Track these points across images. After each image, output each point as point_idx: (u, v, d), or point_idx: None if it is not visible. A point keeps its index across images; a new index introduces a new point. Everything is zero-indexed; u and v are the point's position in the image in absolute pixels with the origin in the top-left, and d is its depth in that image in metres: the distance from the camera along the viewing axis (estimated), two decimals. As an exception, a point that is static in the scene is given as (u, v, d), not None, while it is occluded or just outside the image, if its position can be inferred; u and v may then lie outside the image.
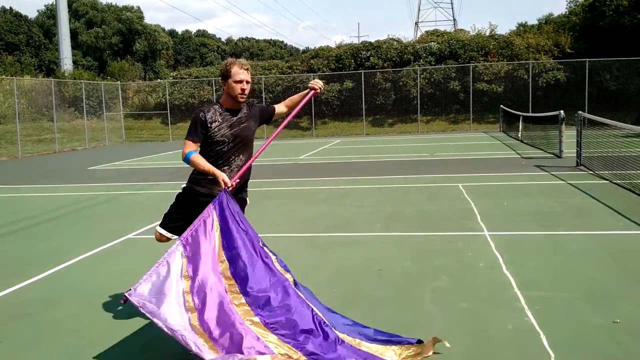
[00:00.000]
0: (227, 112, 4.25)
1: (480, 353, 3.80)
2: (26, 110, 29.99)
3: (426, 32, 40.15)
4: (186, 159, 4.15)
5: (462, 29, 43.57)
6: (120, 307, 4.91)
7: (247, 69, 4.20)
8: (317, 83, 4.53)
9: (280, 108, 4.73)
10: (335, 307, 4.74)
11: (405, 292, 5.04)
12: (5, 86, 30.23)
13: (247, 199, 4.65)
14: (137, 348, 4.08)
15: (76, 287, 5.59)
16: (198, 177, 4.30)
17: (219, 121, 4.19)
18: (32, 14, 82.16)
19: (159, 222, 4.54)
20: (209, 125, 4.16)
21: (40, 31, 53.05)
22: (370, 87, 31.54)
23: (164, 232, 4.50)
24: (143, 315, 4.63)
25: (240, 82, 4.15)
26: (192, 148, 4.17)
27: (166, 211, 4.54)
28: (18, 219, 9.28)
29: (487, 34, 34.69)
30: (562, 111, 15.30)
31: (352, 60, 33.39)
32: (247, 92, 4.20)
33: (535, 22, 44.24)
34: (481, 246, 6.49)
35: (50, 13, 54.52)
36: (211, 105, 4.27)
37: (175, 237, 4.38)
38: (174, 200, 4.54)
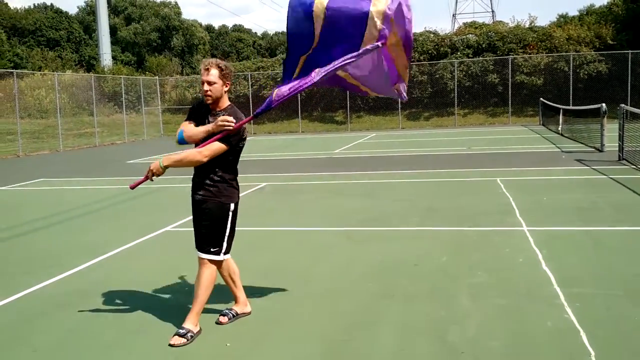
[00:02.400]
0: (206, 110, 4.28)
1: (518, 350, 3.74)
2: (67, 104, 30.65)
3: (464, 24, 39.61)
4: (179, 138, 4.23)
5: (500, 21, 42.90)
6: (159, 299, 4.98)
7: (207, 69, 4.07)
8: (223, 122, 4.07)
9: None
10: (370, 301, 4.74)
11: (441, 288, 4.99)
12: (47, 81, 30.96)
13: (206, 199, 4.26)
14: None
15: (114, 278, 5.69)
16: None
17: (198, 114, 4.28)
18: (72, 10, 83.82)
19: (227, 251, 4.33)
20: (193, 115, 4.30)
21: (80, 27, 54.14)
22: (408, 79, 31.29)
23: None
24: (181, 308, 4.70)
25: (202, 83, 4.12)
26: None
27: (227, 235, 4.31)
28: (59, 212, 9.50)
29: (527, 25, 34.07)
30: (603, 104, 14.94)
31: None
32: (210, 93, 4.10)
33: (576, 14, 43.28)
34: (520, 242, 6.38)
35: (90, 9, 55.56)
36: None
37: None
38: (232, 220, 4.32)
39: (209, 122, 4.13)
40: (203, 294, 4.17)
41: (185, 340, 4.00)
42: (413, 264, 5.71)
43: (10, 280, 5.69)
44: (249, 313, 4.54)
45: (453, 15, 74.16)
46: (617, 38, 30.57)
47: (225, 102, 4.24)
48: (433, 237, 6.82)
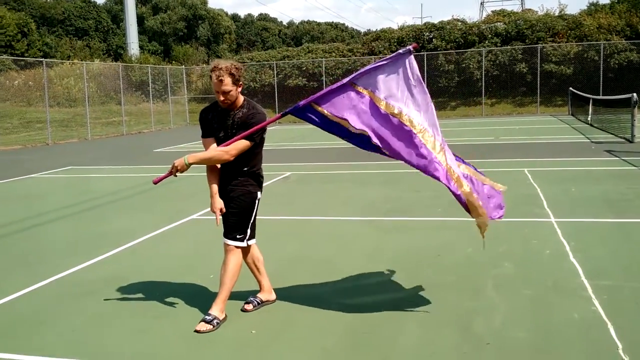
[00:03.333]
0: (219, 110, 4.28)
1: (545, 342, 3.70)
2: (95, 93, 31.02)
3: (492, 12, 39.04)
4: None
5: (529, 9, 42.18)
6: (185, 286, 5.03)
7: (220, 80, 4.04)
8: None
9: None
10: (395, 290, 4.73)
11: (467, 279, 4.96)
12: (75, 70, 31.36)
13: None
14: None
15: (142, 265, 5.76)
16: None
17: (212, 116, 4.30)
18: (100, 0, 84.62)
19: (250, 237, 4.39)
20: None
21: (108, 17, 54.66)
22: (432, 69, 31.04)
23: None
24: (206, 295, 4.74)
25: (216, 92, 4.12)
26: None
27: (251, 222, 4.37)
28: (86, 199, 9.64)
29: (556, 13, 33.48)
30: (634, 94, 14.65)
31: (415, 42, 32.91)
32: (227, 101, 4.11)
33: (607, 1, 42.36)
34: (547, 233, 6.31)
35: (118, -1, 56.02)
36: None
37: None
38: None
39: (232, 122, 4.17)
40: (229, 281, 4.23)
41: (212, 327, 4.06)
42: (437, 254, 5.68)
43: (38, 267, 5.80)
44: (274, 301, 4.56)
45: (481, 3, 73.09)
46: (649, 26, 29.89)
47: (240, 100, 4.22)
48: (458, 227, 6.77)
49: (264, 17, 69.33)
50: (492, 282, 4.85)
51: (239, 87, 4.14)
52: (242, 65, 4.29)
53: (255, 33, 64.06)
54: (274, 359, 3.64)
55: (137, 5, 49.28)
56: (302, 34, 64.05)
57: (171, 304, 4.63)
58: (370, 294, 4.70)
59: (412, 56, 4.09)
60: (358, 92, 4.09)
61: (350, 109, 4.07)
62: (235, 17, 65.08)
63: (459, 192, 3.98)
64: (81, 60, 33.78)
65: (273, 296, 4.58)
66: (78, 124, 26.82)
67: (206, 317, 4.13)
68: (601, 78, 28.57)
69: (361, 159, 13.55)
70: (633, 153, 12.44)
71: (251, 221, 4.31)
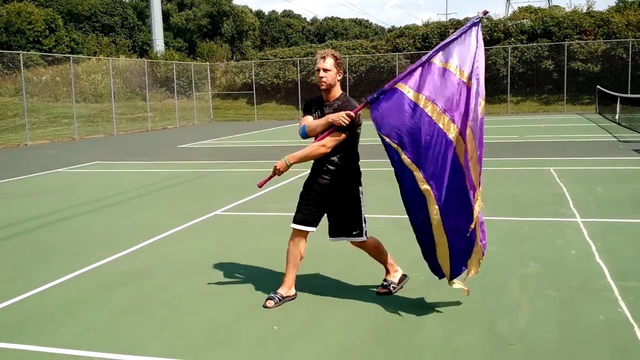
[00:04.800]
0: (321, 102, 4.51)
1: (569, 343, 3.66)
2: (121, 89, 31.36)
3: (518, 8, 38.65)
4: (302, 133, 4.50)
5: (557, 6, 41.69)
6: (208, 281, 5.07)
7: (323, 57, 4.36)
8: (342, 117, 4.26)
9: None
10: (416, 289, 4.72)
11: (491, 278, 4.92)
12: (102, 66, 31.71)
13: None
14: (225, 319, 4.21)
15: (167, 259, 5.82)
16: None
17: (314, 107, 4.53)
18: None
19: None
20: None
21: (134, 13, 55.16)
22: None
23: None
24: (230, 289, 4.77)
25: (318, 70, 4.39)
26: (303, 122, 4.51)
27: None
28: (112, 194, 9.76)
29: (584, 10, 33.01)
30: (664, 92, 14.39)
31: (440, 39, 32.67)
32: (324, 79, 4.36)
33: (637, -2, 41.63)
34: (573, 233, 6.23)
35: (143, -4, 56.48)
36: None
37: (312, 228, 4.60)
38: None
39: (329, 111, 4.38)
40: (379, 256, 4.71)
41: (387, 290, 4.58)
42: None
43: (66, 260, 5.89)
44: (294, 297, 4.59)
45: (507, -1, 72.30)
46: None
47: (338, 92, 4.47)
48: (483, 226, 6.71)
49: (287, 14, 69.39)
50: (516, 281, 4.81)
51: (339, 74, 4.41)
52: (343, 59, 4.60)
53: (279, 30, 64.16)
54: (295, 355, 3.65)
55: (162, 1, 49.66)
56: (326, 31, 63.98)
57: (195, 299, 4.67)
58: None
59: (479, 26, 4.09)
60: (439, 67, 4.07)
61: (426, 82, 4.07)
62: (259, 14, 65.25)
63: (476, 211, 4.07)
64: (107, 57, 34.16)
65: (293, 291, 4.61)
66: (104, 119, 27.15)
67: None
68: (629, 76, 28.09)
69: (386, 157, 13.51)
70: (662, 152, 12.22)
71: (363, 213, 4.57)
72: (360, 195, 4.55)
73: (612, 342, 3.66)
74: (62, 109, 27.64)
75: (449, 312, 4.22)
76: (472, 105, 3.91)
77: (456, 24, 33.33)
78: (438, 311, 4.26)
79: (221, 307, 4.46)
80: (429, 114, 4.01)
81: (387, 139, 4.16)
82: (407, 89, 4.11)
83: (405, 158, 4.10)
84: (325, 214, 4.64)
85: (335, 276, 5.13)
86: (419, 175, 4.06)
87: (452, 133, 3.98)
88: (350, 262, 5.50)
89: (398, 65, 31.47)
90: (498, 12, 62.37)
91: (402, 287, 4.69)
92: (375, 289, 4.72)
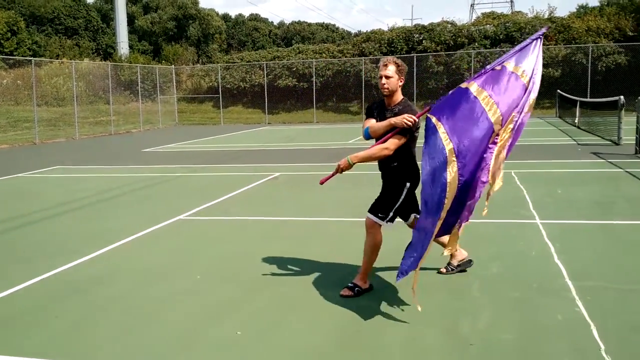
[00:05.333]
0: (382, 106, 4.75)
1: (529, 343, 3.73)
2: (84, 93, 30.86)
3: (482, 14, 39.22)
4: (366, 134, 4.72)
5: (519, 11, 42.48)
6: (172, 286, 5.03)
7: (385, 65, 4.61)
8: (405, 119, 4.45)
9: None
10: (384, 290, 4.75)
11: (455, 279, 4.99)
12: (64, 69, 31.15)
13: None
14: (188, 325, 4.17)
15: (129, 265, 5.75)
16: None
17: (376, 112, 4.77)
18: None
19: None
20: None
21: (98, 16, 54.33)
22: (422, 70, 31.12)
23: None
24: (192, 295, 4.74)
25: (380, 77, 4.64)
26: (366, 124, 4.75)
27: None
28: (74, 199, 9.59)
29: (545, 16, 33.69)
30: (622, 97, 14.78)
31: (404, 44, 33.00)
32: (386, 86, 4.59)
33: (597, 4, 42.67)
34: (533, 234, 6.36)
35: (107, -2, 55.73)
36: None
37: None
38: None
39: (390, 116, 4.58)
40: (370, 257, 4.71)
41: (352, 293, 4.62)
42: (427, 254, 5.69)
43: (25, 266, 5.77)
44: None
45: (471, 5, 73.41)
46: (637, 29, 30.12)
47: (399, 97, 4.69)
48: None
49: (254, 18, 69.17)
50: (478, 282, 4.88)
51: (400, 80, 4.64)
52: (406, 66, 4.78)
53: (245, 33, 63.92)
54: (259, 360, 3.64)
55: (127, 4, 49.04)
56: (293, 35, 63.98)
57: (157, 305, 4.62)
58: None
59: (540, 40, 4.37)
60: (509, 72, 4.26)
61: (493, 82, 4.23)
62: (226, 17, 64.88)
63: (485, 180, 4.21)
64: (70, 60, 33.57)
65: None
66: (66, 123, 26.67)
67: (349, 284, 4.70)
68: (589, 81, 28.76)
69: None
70: (619, 155, 12.54)
71: (396, 206, 4.70)
72: (404, 190, 4.70)
73: (570, 341, 3.74)
74: (23, 112, 27.06)
75: (412, 314, 4.26)
76: (523, 100, 4.19)
77: (420, 29, 33.68)
78: (403, 311, 4.31)
79: (183, 312, 4.43)
80: (488, 113, 4.18)
81: (433, 118, 4.31)
82: (469, 84, 4.29)
83: (443, 133, 4.21)
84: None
85: (301, 281, 5.13)
86: (451, 153, 4.16)
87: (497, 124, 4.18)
88: (315, 267, 5.51)
89: (364, 69, 31.65)
90: (462, 17, 63.19)
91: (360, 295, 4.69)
92: (341, 291, 4.74)
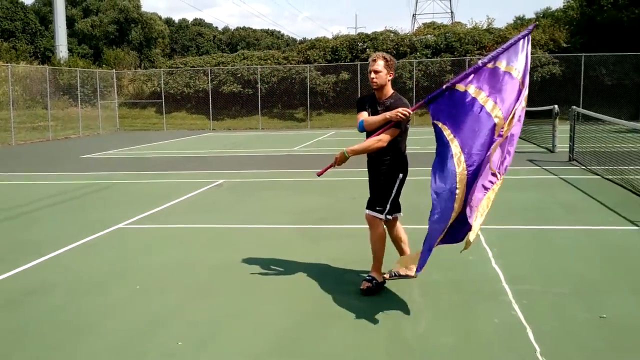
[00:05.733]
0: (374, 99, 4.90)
1: (467, 346, 3.82)
2: (20, 97, 29.82)
3: (423, 24, 40.02)
4: (360, 127, 4.85)
5: (459, 22, 43.48)
6: (109, 298, 4.91)
7: (374, 60, 4.75)
8: (399, 113, 4.60)
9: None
10: (324, 298, 4.76)
11: (394, 285, 5.04)
12: (0, 73, 30.05)
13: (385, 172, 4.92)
14: (125, 337, 4.08)
15: (64, 276, 5.58)
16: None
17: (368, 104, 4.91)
18: (28, 0, 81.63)
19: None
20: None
21: (36, 18, 52.73)
22: (366, 78, 31.14)
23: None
24: (128, 306, 4.64)
25: (369, 72, 4.78)
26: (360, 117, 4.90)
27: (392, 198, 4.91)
28: (9, 207, 9.25)
29: (484, 27, 34.62)
30: (556, 105, 15.31)
31: (348, 52, 33.30)
32: (375, 80, 4.75)
33: (533, 16, 44.19)
34: (471, 240, 6.49)
35: (47, 0, 54.14)
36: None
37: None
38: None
39: (382, 109, 4.75)
40: (376, 249, 4.88)
41: (371, 285, 4.78)
42: (368, 261, 5.74)
43: (-46, 278, 5.53)
44: (415, 276, 5.00)
45: (413, 15, 74.93)
46: (571, 41, 31.33)
47: (389, 91, 4.84)
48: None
49: (198, 23, 68.51)
50: (418, 288, 4.96)
51: (390, 75, 4.78)
52: (395, 60, 4.92)
53: (189, 38, 63.23)
54: (200, 370, 3.60)
55: (67, 7, 47.72)
56: (238, 41, 63.69)
57: (92, 317, 4.50)
58: (300, 301, 4.72)
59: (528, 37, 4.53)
60: (503, 71, 4.47)
61: (485, 81, 4.48)
62: (169, 22, 64.04)
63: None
64: (6, 63, 32.39)
65: (412, 271, 4.95)
66: (1, 128, 25.69)
67: (367, 276, 4.87)
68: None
69: (296, 167, 13.59)
70: (554, 162, 12.98)
71: (391, 197, 4.86)
72: (397, 180, 4.86)
73: (507, 344, 3.84)
74: (-45, 117, 25.95)
75: (353, 318, 4.29)
76: (522, 95, 4.44)
77: (364, 38, 34.08)
78: (343, 317, 4.33)
79: (122, 324, 4.33)
80: (487, 108, 4.40)
81: (438, 123, 4.55)
82: (462, 87, 4.49)
83: (448, 134, 4.46)
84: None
85: (242, 288, 5.10)
86: (457, 147, 4.40)
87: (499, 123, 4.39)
88: (257, 274, 5.49)
89: (309, 76, 31.77)
90: (404, 27, 64.41)
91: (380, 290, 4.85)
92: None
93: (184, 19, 67.31)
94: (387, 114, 4.63)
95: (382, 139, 4.68)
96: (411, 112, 4.61)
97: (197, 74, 34.33)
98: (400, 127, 4.70)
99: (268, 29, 73.59)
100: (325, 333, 4.08)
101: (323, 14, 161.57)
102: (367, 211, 4.92)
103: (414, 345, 3.83)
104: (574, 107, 14.25)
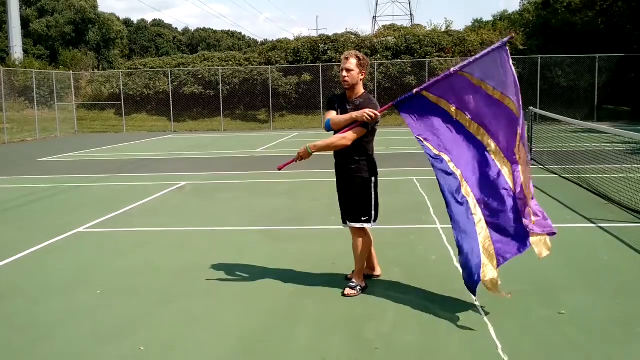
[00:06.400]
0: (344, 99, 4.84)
1: (430, 344, 3.86)
2: (-27, 99, 28.98)
3: (383, 26, 40.29)
4: (327, 125, 4.79)
5: (418, 24, 43.87)
6: (69, 303, 4.80)
7: (347, 58, 4.70)
8: (365, 113, 4.57)
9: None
10: (287, 300, 4.75)
11: (358, 285, 5.07)
12: (-49, 74, 29.13)
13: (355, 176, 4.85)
14: (86, 343, 4.00)
15: (22, 282, 5.44)
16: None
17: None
18: (-21, -1, 79.20)
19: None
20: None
21: (-12, 18, 51.28)
22: (328, 80, 31.52)
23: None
24: (91, 311, 4.55)
25: (341, 70, 4.74)
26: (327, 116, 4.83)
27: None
28: (-38, 212, 8.98)
29: (443, 29, 35.08)
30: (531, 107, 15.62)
31: (310, 53, 33.34)
32: (347, 79, 4.69)
33: (490, 19, 44.99)
34: (433, 239, 6.58)
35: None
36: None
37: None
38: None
39: (351, 108, 4.70)
40: (360, 259, 4.86)
41: (355, 292, 4.77)
42: (331, 262, 5.77)
43: None
44: (378, 276, 5.15)
45: (373, 17, 75.47)
46: (527, 43, 32.01)
47: (360, 90, 4.79)
48: (348, 233, 6.90)
49: (158, 23, 67.60)
50: (381, 288, 4.99)
51: (362, 74, 4.72)
52: (368, 60, 4.89)
53: (148, 39, 62.36)
54: (163, 375, 3.55)
55: (21, 7, 46.58)
56: (198, 42, 63.10)
57: (53, 323, 4.40)
58: (263, 303, 4.70)
59: (504, 49, 4.42)
60: (464, 78, 4.47)
61: (453, 93, 4.51)
62: (127, 22, 63.04)
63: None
64: (-43, 63, 31.45)
65: (378, 271, 5.16)
66: (-47, 131, 24.95)
67: (351, 283, 4.85)
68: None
69: (259, 169, 13.53)
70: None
71: (373, 204, 4.81)
72: (372, 185, 4.80)
73: (469, 341, 3.90)
74: None
75: (316, 321, 4.29)
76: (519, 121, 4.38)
77: (325, 39, 34.17)
78: (307, 319, 4.33)
79: (82, 329, 4.24)
80: (459, 120, 4.52)
81: (422, 139, 4.62)
82: (433, 97, 4.54)
83: (436, 151, 4.54)
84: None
85: (204, 291, 5.05)
86: (450, 163, 4.49)
87: (479, 136, 4.51)
88: (219, 277, 5.45)
89: (271, 77, 31.68)
90: (365, 29, 64.62)
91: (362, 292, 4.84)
92: (242, 304, 4.70)
93: (142, 20, 66.37)
94: (354, 114, 4.58)
95: (346, 137, 4.63)
96: (379, 114, 4.58)
97: (157, 75, 33.89)
98: (367, 128, 4.66)
99: (229, 30, 72.95)
100: (289, 335, 4.07)
101: (284, 15, 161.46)
102: (352, 224, 4.83)
103: (377, 345, 3.85)
104: (532, 107, 14.54)
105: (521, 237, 4.45)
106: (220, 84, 32.09)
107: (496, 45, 4.43)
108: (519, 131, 4.37)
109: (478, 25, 42.43)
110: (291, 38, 37.03)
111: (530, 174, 4.48)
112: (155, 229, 7.51)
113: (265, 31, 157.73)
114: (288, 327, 4.22)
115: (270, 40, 45.41)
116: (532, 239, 4.45)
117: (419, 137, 4.64)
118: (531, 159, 13.28)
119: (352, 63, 4.68)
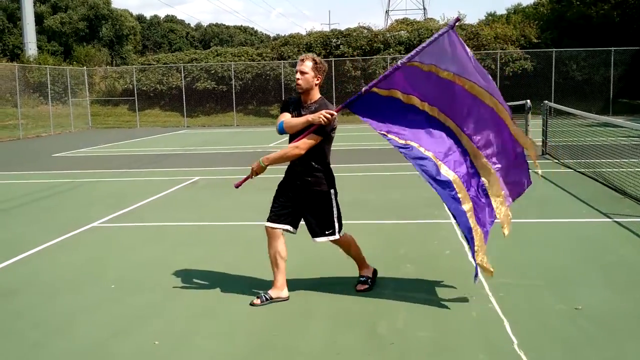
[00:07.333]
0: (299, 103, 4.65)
1: (445, 340, 3.84)
2: (-12, 95, 29.25)
3: (396, 20, 40.10)
4: (279, 128, 4.59)
5: (431, 18, 43.74)
6: (84, 298, 4.83)
7: (302, 60, 4.51)
8: (321, 115, 4.39)
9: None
10: (301, 295, 4.74)
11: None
12: (-33, 71, 29.42)
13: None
14: (102, 336, 4.02)
15: (37, 277, 5.48)
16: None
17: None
18: (-6, -4, 79.83)
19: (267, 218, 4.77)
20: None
21: (4, 15, 51.72)
22: (340, 75, 31.45)
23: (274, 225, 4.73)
24: (107, 305, 4.57)
25: (296, 72, 4.54)
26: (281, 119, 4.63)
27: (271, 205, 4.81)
28: (-21, 207, 9.06)
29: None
30: (528, 100, 15.45)
31: (322, 48, 33.26)
32: (300, 82, 4.48)
33: (504, 12, 44.66)
34: (447, 234, 6.54)
35: (13, -4, 53.08)
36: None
37: (286, 226, 4.71)
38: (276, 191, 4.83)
39: (306, 113, 4.50)
40: (356, 253, 4.90)
41: (367, 286, 4.76)
42: (344, 257, 5.74)
43: None
44: (286, 299, 4.59)
45: (386, 11, 75.07)
46: (541, 37, 31.73)
47: (316, 95, 4.59)
48: (360, 230, 6.86)
49: (170, 19, 67.83)
50: (394, 283, 4.97)
51: (317, 78, 4.50)
52: (326, 65, 4.67)
53: (161, 35, 62.61)
54: (178, 369, 3.56)
55: (35, 3, 46.89)
56: (211, 37, 63.26)
57: (69, 318, 4.43)
58: (277, 298, 4.70)
59: (452, 32, 4.39)
60: (414, 68, 4.48)
61: (404, 82, 4.52)
62: (140, 18, 63.30)
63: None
64: (-27, 60, 31.74)
65: (285, 294, 4.63)
66: (-31, 127, 25.20)
67: (361, 278, 4.82)
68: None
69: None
70: (527, 157, 13.09)
71: (335, 216, 4.66)
72: (333, 197, 4.67)
73: (484, 336, 3.87)
74: None
75: (331, 316, 4.28)
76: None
77: (338, 34, 34.08)
78: (320, 315, 4.32)
79: (97, 324, 4.26)
80: (413, 104, 4.54)
81: (384, 133, 4.58)
82: (383, 92, 4.50)
83: (402, 141, 4.50)
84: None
85: (217, 286, 5.05)
86: (420, 147, 4.49)
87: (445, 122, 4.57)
88: (232, 271, 5.45)
89: (284, 73, 31.67)
90: (378, 23, 64.59)
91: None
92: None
93: (155, 16, 66.65)
94: (310, 116, 4.38)
95: (299, 146, 4.42)
96: (335, 115, 4.39)
97: (170, 70, 33.99)
98: (322, 134, 4.44)
99: (241, 26, 73.15)
100: (303, 330, 4.06)
101: (296, 11, 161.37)
102: (319, 239, 4.68)
103: (392, 341, 3.83)
104: (546, 101, 14.42)
105: (525, 171, 4.99)
106: (233, 80, 32.13)
107: (442, 30, 4.42)
108: (488, 102, 4.59)
109: (492, 19, 42.14)
110: (303, 33, 36.96)
111: (524, 138, 4.92)
112: (169, 224, 7.53)
113: (278, 26, 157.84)
114: (302, 322, 4.21)
115: (283, 35, 45.38)
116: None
117: (382, 132, 4.57)
118: (546, 152, 13.20)
119: (307, 66, 4.46)
